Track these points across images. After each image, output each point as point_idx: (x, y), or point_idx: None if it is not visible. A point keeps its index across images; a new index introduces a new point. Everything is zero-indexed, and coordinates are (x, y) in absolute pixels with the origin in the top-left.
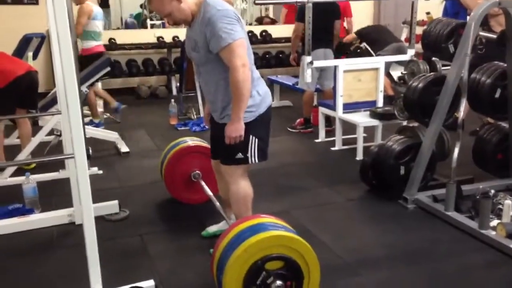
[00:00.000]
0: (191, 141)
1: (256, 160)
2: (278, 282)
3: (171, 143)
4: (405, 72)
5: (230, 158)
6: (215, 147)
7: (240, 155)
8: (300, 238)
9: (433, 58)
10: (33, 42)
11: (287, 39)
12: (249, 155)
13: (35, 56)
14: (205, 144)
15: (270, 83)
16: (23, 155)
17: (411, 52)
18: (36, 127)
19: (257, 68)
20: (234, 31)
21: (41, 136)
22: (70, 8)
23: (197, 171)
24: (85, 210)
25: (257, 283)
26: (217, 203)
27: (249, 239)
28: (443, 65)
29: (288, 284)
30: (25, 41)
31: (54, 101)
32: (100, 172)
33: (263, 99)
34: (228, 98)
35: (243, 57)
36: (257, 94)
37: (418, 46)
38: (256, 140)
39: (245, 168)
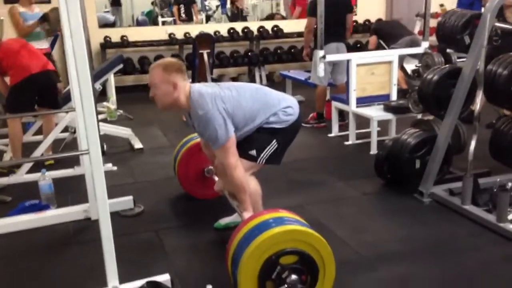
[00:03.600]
0: None
1: (263, 162)
2: (293, 276)
3: (184, 139)
4: (419, 64)
5: (243, 150)
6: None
7: (253, 152)
8: (314, 232)
9: (448, 50)
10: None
11: (299, 34)
12: (261, 155)
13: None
14: None
15: (282, 78)
16: (39, 152)
17: (425, 45)
18: None
19: (269, 63)
20: (221, 133)
21: (56, 133)
22: (82, 6)
23: (210, 167)
24: (101, 206)
25: (272, 278)
26: (230, 199)
27: (262, 234)
28: (458, 57)
29: (303, 278)
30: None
31: (68, 99)
32: (114, 168)
33: (290, 114)
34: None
35: (235, 154)
36: (282, 113)
37: (432, 38)
38: (276, 145)
39: (252, 166)
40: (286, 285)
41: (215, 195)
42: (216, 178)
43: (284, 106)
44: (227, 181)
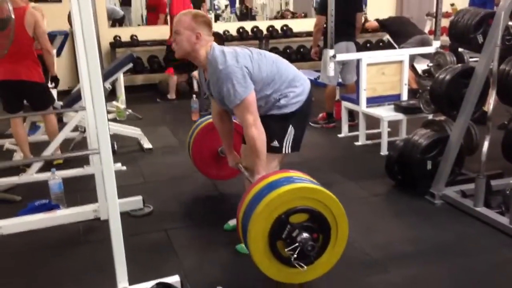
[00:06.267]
0: None
1: (289, 150)
2: (305, 234)
3: (199, 119)
4: (431, 64)
5: (266, 145)
6: None
7: (276, 143)
8: (325, 189)
9: (460, 49)
10: (57, 40)
11: (308, 33)
12: (284, 144)
13: (58, 54)
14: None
15: None
16: (49, 152)
17: (436, 44)
18: (60, 124)
19: None
20: (240, 89)
21: (65, 133)
22: (94, 5)
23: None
24: (111, 206)
25: (282, 237)
26: (246, 173)
27: (271, 193)
28: (470, 57)
29: (315, 236)
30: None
31: (78, 98)
32: (124, 168)
33: (300, 95)
34: (269, 102)
35: (254, 112)
36: (292, 93)
37: (443, 38)
38: (294, 130)
39: (279, 159)
40: (297, 244)
41: (229, 176)
42: None
43: (296, 84)
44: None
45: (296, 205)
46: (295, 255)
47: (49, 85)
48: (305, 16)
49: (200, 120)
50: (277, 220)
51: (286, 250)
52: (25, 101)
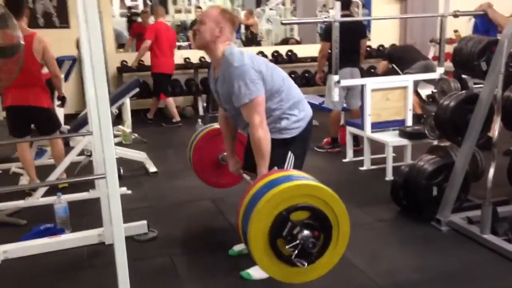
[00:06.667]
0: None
1: None
2: (306, 232)
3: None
4: (435, 90)
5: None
6: (248, 159)
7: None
8: (325, 187)
9: (464, 76)
10: (65, 65)
11: (312, 59)
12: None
13: (66, 78)
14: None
15: None
16: (54, 176)
17: (440, 70)
18: (67, 148)
19: None
20: (252, 89)
21: (72, 157)
22: (102, 29)
23: (225, 153)
24: (116, 230)
25: (283, 235)
26: (248, 177)
27: (271, 190)
28: (474, 83)
29: (316, 234)
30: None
31: (84, 122)
32: (129, 192)
33: (301, 120)
34: (270, 117)
35: (261, 113)
36: (294, 116)
37: (447, 64)
38: (294, 157)
39: None
40: (297, 241)
41: (229, 184)
42: None
43: (299, 108)
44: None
45: (298, 203)
46: (296, 252)
47: (56, 103)
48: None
49: (199, 130)
50: (278, 217)
51: (287, 247)
52: (32, 126)
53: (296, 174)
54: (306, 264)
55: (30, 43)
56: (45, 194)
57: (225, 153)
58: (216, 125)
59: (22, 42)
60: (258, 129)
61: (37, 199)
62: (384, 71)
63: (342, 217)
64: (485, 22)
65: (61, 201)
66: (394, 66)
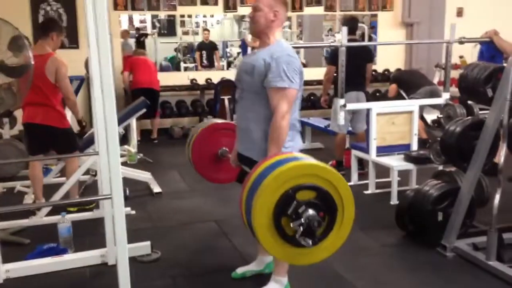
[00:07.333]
0: (219, 120)
1: None
2: (310, 211)
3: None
4: (441, 115)
5: None
6: (243, 175)
7: None
8: (335, 170)
9: (469, 102)
10: (73, 84)
11: (318, 82)
12: None
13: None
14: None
15: (302, 125)
16: (59, 195)
17: (446, 96)
18: None
19: None
20: (295, 80)
21: (77, 176)
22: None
23: (224, 148)
24: (120, 251)
25: (288, 213)
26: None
27: (279, 167)
28: (480, 109)
29: (321, 215)
30: None
31: (91, 142)
32: (133, 212)
33: (290, 147)
34: (259, 133)
35: (290, 105)
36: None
37: (453, 89)
38: None
39: None
40: (302, 220)
41: (228, 180)
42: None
43: (294, 132)
44: None
45: (305, 182)
46: (301, 230)
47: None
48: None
49: (200, 123)
50: (284, 195)
51: (291, 225)
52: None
53: (304, 156)
54: (311, 243)
55: (43, 62)
56: (49, 213)
57: (224, 148)
58: (216, 120)
59: (32, 62)
60: (284, 118)
61: (41, 218)
62: (394, 94)
63: (347, 201)
64: (491, 49)
65: (64, 221)
66: (401, 90)
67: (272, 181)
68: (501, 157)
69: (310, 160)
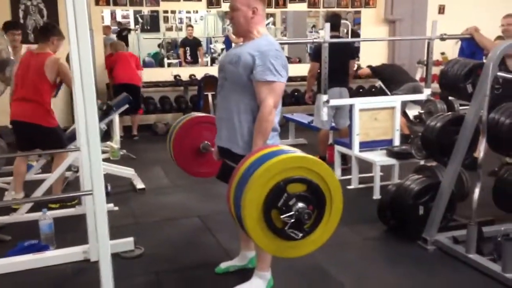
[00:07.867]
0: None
1: None
2: (300, 204)
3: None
4: (422, 111)
5: None
6: (224, 172)
7: None
8: (323, 162)
9: (450, 98)
10: None
11: (302, 78)
12: None
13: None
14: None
15: (286, 121)
16: (41, 191)
17: (427, 92)
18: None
19: None
20: (282, 74)
21: (58, 173)
22: (92, 44)
23: (206, 142)
24: (102, 247)
25: (278, 205)
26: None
27: (271, 159)
28: (460, 105)
29: (311, 208)
30: None
31: (72, 138)
32: (116, 208)
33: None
34: (241, 123)
35: (277, 99)
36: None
37: (434, 85)
38: None
39: None
40: (292, 212)
41: (209, 175)
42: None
43: (274, 135)
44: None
45: (295, 174)
46: (290, 223)
47: None
48: (300, 61)
49: (181, 117)
50: (275, 187)
51: (281, 217)
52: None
53: (292, 149)
54: (300, 235)
55: (43, 60)
56: (31, 209)
57: (206, 142)
58: (196, 114)
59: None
60: (271, 113)
61: (22, 215)
62: (364, 75)
63: (335, 193)
64: (471, 45)
65: (46, 217)
66: (382, 85)
67: (263, 172)
68: (480, 152)
69: (299, 153)
